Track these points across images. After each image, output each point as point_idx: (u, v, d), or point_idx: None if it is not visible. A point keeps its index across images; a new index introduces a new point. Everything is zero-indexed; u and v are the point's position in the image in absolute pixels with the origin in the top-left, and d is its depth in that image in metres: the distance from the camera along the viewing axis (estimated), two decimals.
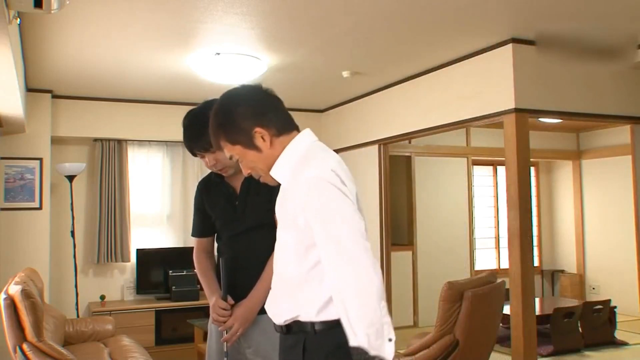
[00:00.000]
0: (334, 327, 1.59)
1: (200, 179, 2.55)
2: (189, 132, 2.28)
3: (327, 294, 1.62)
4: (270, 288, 2.21)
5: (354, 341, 1.48)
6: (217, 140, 1.76)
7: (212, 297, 2.32)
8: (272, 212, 2.27)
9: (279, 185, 2.28)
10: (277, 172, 1.73)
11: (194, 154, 2.30)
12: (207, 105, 2.29)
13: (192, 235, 2.53)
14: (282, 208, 1.76)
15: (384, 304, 1.50)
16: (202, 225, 2.48)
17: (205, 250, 2.49)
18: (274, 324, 1.79)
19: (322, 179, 1.57)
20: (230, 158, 1.78)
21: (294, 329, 1.70)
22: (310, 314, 1.64)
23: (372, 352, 1.46)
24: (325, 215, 1.55)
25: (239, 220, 2.30)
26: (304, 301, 1.66)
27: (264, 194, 2.27)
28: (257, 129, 1.69)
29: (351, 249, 1.51)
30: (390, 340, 1.48)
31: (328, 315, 1.62)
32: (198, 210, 2.49)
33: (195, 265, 2.47)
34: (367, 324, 1.46)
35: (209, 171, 2.49)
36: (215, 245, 2.50)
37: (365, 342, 1.46)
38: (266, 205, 2.27)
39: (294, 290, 1.69)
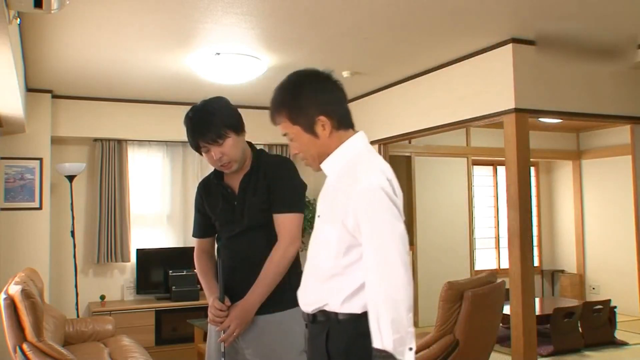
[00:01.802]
0: (357, 319, 1.68)
1: (200, 180, 2.55)
2: (195, 125, 2.24)
3: (353, 286, 1.69)
4: (268, 288, 2.22)
5: (379, 343, 1.59)
6: (278, 115, 1.80)
7: (210, 298, 2.31)
8: (269, 212, 2.28)
9: (278, 185, 2.28)
10: (329, 166, 1.79)
11: (198, 148, 2.27)
12: (210, 100, 2.30)
13: (193, 235, 2.53)
14: (329, 203, 1.79)
15: (411, 315, 1.61)
16: (203, 226, 2.48)
17: (205, 251, 2.49)
18: (303, 313, 1.84)
19: (380, 189, 1.65)
20: (284, 135, 1.82)
21: (319, 318, 1.76)
22: (336, 304, 1.71)
23: (396, 357, 1.57)
24: (377, 224, 1.63)
25: (237, 220, 2.30)
26: (331, 291, 1.72)
27: (260, 195, 2.27)
28: (321, 117, 1.74)
29: (393, 261, 1.61)
30: (410, 349, 1.59)
31: (352, 308, 1.70)
32: (198, 211, 2.48)
33: (196, 265, 2.47)
34: (394, 330, 1.57)
35: (208, 171, 2.49)
36: (216, 246, 2.50)
37: (391, 346, 1.57)
38: (263, 206, 2.27)
39: (325, 282, 1.75)
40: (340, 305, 1.71)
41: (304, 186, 2.37)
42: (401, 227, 1.65)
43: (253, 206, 2.27)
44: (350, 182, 1.69)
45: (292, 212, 2.27)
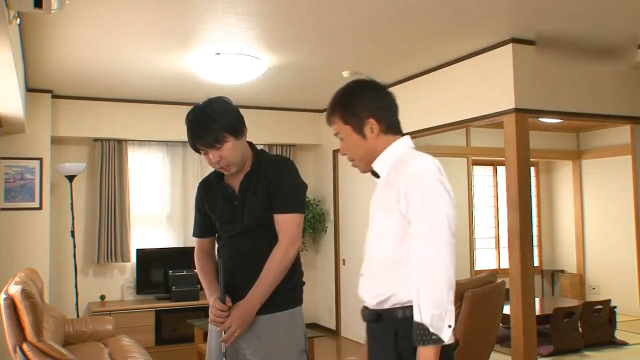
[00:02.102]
0: None
1: (200, 180, 2.54)
2: (194, 128, 2.22)
3: None
4: (268, 289, 2.21)
5: (417, 317, 1.65)
6: (333, 114, 1.93)
7: (210, 298, 2.31)
8: (269, 212, 2.27)
9: (279, 185, 2.28)
10: (380, 166, 1.90)
11: (197, 150, 2.27)
12: (212, 101, 2.27)
13: (193, 235, 2.52)
14: (381, 198, 1.88)
15: (451, 293, 1.66)
16: (203, 226, 2.47)
17: (206, 251, 2.48)
18: (365, 311, 1.87)
19: (429, 171, 1.74)
20: (336, 134, 1.93)
21: (384, 317, 1.80)
22: (402, 297, 1.75)
23: (432, 331, 1.62)
24: (425, 199, 1.71)
25: (237, 220, 2.29)
26: (397, 281, 1.77)
27: (261, 195, 2.26)
28: (371, 120, 1.87)
29: (438, 236, 1.68)
30: (449, 326, 1.64)
31: None
32: (198, 210, 2.47)
33: (196, 265, 2.47)
34: (433, 305, 1.63)
35: (208, 171, 2.49)
36: (216, 245, 2.49)
37: (429, 321, 1.62)
38: (263, 206, 2.26)
39: (388, 272, 1.80)
40: (408, 299, 1.74)
41: (304, 186, 2.36)
42: (449, 209, 1.72)
43: (253, 206, 2.27)
44: (400, 172, 1.78)
45: (292, 212, 2.27)
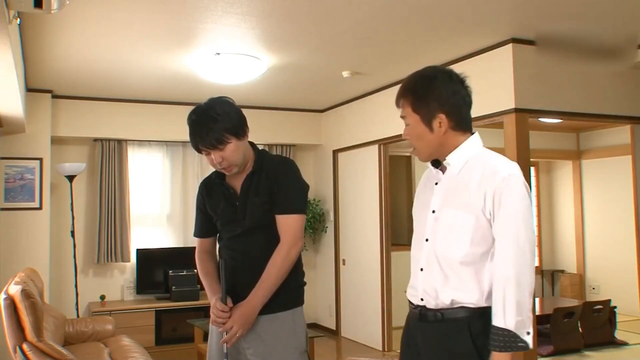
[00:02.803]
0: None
1: (201, 180, 2.53)
2: (197, 128, 2.22)
3: (490, 277, 1.76)
4: (270, 290, 2.20)
5: (501, 322, 1.67)
6: (404, 99, 1.86)
7: (212, 298, 2.31)
8: (270, 213, 2.27)
9: (281, 186, 2.26)
10: (455, 159, 1.84)
11: (199, 151, 2.26)
12: (214, 102, 2.26)
13: (194, 235, 2.51)
14: (456, 193, 1.83)
15: (531, 300, 1.71)
16: (204, 226, 2.46)
17: (207, 251, 2.48)
18: (423, 311, 1.84)
19: (519, 179, 1.75)
20: (402, 117, 1.87)
21: (449, 315, 1.78)
22: (477, 296, 1.75)
23: (519, 336, 1.65)
24: (514, 210, 1.72)
25: (238, 221, 2.29)
26: (469, 282, 1.76)
27: (263, 195, 2.26)
28: (441, 115, 1.81)
29: (524, 245, 1.70)
30: (528, 333, 1.68)
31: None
32: (200, 210, 2.47)
33: (197, 265, 2.47)
34: (518, 312, 1.66)
35: (209, 171, 2.48)
36: (217, 245, 2.49)
37: (513, 326, 1.65)
38: (265, 207, 2.26)
39: (462, 273, 1.77)
40: (486, 299, 1.74)
41: (306, 187, 2.36)
42: (531, 218, 1.75)
43: (255, 207, 2.26)
44: (486, 173, 1.77)
45: (294, 213, 2.26)
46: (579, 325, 5.90)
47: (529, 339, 1.67)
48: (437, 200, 1.86)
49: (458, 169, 1.83)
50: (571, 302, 6.39)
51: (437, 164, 1.89)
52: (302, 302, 2.35)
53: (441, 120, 1.81)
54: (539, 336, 4.59)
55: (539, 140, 7.77)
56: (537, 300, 6.59)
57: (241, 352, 2.29)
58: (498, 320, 1.67)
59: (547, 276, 8.74)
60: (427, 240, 1.86)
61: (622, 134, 7.35)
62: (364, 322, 6.32)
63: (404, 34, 4.16)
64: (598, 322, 5.99)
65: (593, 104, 4.60)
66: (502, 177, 1.73)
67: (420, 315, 1.85)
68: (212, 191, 2.40)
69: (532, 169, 8.64)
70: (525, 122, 4.27)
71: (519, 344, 1.65)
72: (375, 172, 6.00)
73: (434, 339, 1.82)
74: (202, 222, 2.46)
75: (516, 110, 4.23)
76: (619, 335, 6.25)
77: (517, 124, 4.22)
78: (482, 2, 3.54)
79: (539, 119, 5.76)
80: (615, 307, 6.25)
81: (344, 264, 6.69)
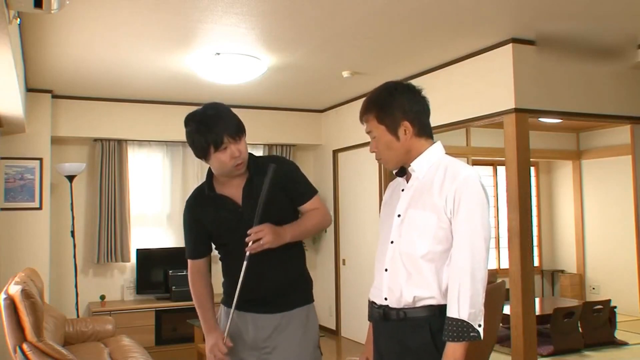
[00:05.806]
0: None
1: (200, 181, 2.44)
2: (219, 118, 2.14)
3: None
4: (303, 232, 2.26)
5: (455, 313, 1.76)
6: (369, 112, 1.99)
7: (210, 335, 2.23)
8: (278, 210, 2.25)
9: (288, 181, 2.26)
10: (419, 165, 1.95)
11: (218, 144, 2.12)
12: (216, 103, 2.26)
13: (187, 257, 2.38)
14: (420, 196, 1.92)
15: (484, 294, 1.81)
16: (197, 245, 2.36)
17: (200, 272, 2.37)
18: (386, 310, 1.91)
19: (477, 180, 1.86)
20: (368, 132, 2.01)
21: (412, 314, 1.86)
22: (437, 296, 1.83)
23: (473, 326, 1.74)
24: (472, 209, 1.82)
25: (247, 227, 2.16)
26: (431, 280, 1.84)
27: (264, 195, 2.24)
28: (405, 122, 1.94)
29: (478, 242, 1.80)
30: (480, 325, 1.77)
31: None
32: (190, 228, 2.35)
33: (192, 292, 2.36)
34: (472, 304, 1.75)
35: (209, 171, 2.43)
36: (217, 252, 2.44)
37: (467, 317, 1.75)
38: (279, 202, 2.26)
39: (425, 271, 1.85)
40: (443, 294, 1.82)
41: (299, 168, 2.42)
42: (488, 215, 1.87)
43: (265, 205, 2.16)
44: (447, 176, 1.87)
45: (312, 196, 2.33)
46: (579, 325, 5.90)
47: (481, 330, 1.76)
48: (402, 204, 1.96)
49: (422, 173, 1.94)
50: (571, 302, 6.39)
51: (402, 173, 2.01)
52: (313, 299, 2.38)
53: (406, 128, 1.93)
54: (539, 336, 4.59)
55: (539, 140, 7.77)
56: (537, 300, 6.59)
57: (260, 349, 2.26)
58: (452, 311, 1.76)
59: (547, 276, 8.74)
60: (392, 242, 1.94)
61: (622, 134, 7.35)
62: (364, 322, 6.29)
63: (404, 34, 4.16)
64: (598, 322, 5.99)
65: (593, 104, 4.60)
66: (461, 178, 1.84)
67: (383, 314, 1.93)
68: (205, 205, 2.31)
69: (532, 169, 8.64)
70: (525, 122, 4.27)
71: (472, 334, 1.74)
72: (375, 172, 6.00)
73: (395, 336, 1.91)
74: (195, 241, 2.35)
75: (516, 110, 4.23)
76: (619, 335, 6.25)
77: (517, 124, 4.22)
78: (482, 2, 3.54)
79: (539, 119, 5.77)
80: (615, 307, 6.25)
81: (344, 264, 6.69)
